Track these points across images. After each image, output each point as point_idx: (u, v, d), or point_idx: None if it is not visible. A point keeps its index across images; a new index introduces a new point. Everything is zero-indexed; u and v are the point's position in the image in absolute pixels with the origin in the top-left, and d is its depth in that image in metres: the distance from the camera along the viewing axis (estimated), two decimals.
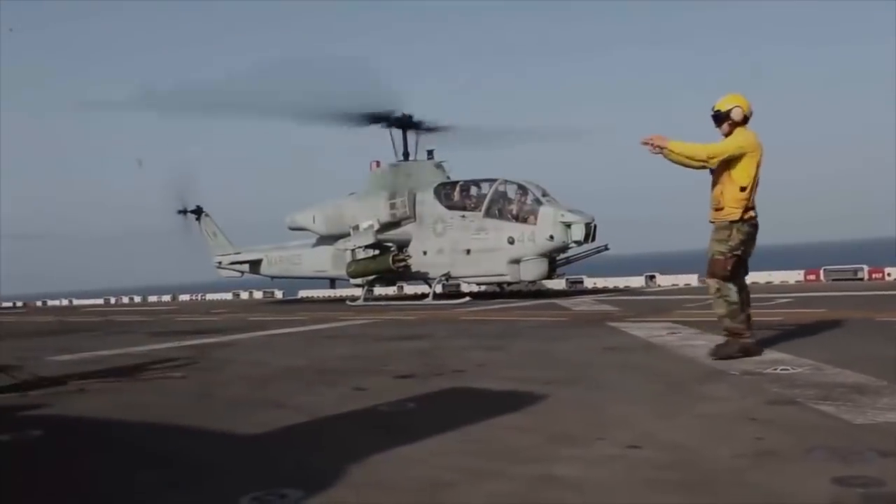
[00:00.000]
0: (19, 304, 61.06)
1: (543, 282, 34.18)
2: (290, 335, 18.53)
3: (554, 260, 30.15)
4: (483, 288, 34.11)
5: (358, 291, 34.09)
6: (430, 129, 33.34)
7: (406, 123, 33.19)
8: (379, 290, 38.42)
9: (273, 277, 39.78)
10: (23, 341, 21.24)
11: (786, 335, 12.30)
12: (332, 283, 37.06)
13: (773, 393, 7.46)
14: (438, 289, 31.60)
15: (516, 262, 29.24)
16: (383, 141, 34.15)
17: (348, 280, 33.90)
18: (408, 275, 32.40)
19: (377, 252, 31.74)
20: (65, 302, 60.10)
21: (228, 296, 51.38)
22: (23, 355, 15.81)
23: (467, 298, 30.37)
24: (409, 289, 39.93)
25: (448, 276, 31.54)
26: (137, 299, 55.93)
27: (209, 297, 52.52)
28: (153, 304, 50.92)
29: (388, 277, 33.31)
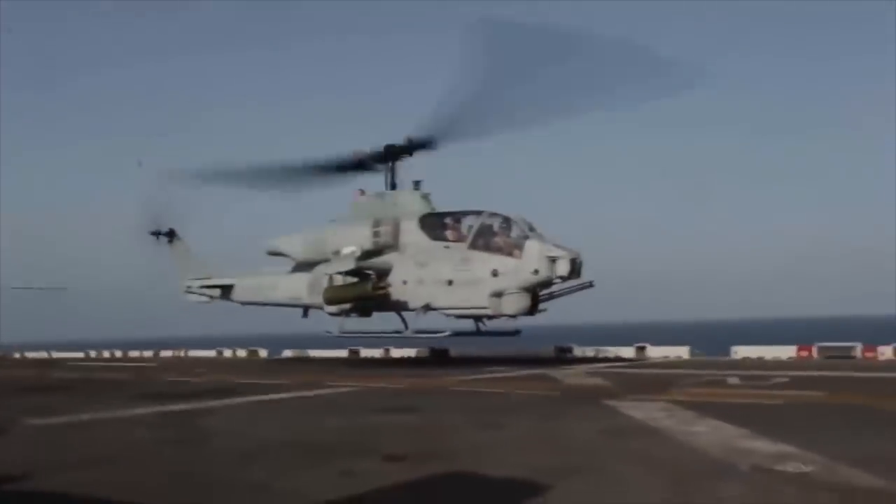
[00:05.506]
0: None
1: (541, 352, 33.83)
2: (276, 402, 17.97)
3: (537, 295, 29.15)
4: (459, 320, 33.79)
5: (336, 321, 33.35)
6: (420, 149, 32.49)
7: (393, 153, 32.22)
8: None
9: (244, 303, 38.26)
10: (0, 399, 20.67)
11: (790, 423, 11.94)
12: (306, 311, 35.41)
13: (789, 495, 7.09)
14: (417, 324, 31.19)
15: (498, 295, 28.35)
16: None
17: (323, 308, 32.41)
18: (386, 304, 31.31)
19: (356, 279, 30.78)
20: (44, 354, 58.98)
21: (212, 353, 50.49)
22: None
23: (447, 332, 30.39)
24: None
25: (427, 308, 30.76)
26: (118, 353, 54.92)
27: (192, 353, 51.63)
28: (135, 359, 49.94)
29: (364, 306, 32.03)
